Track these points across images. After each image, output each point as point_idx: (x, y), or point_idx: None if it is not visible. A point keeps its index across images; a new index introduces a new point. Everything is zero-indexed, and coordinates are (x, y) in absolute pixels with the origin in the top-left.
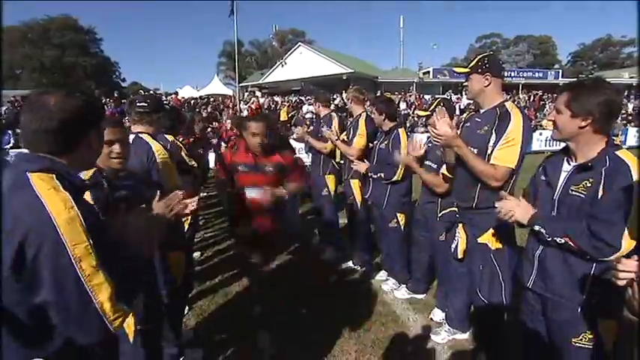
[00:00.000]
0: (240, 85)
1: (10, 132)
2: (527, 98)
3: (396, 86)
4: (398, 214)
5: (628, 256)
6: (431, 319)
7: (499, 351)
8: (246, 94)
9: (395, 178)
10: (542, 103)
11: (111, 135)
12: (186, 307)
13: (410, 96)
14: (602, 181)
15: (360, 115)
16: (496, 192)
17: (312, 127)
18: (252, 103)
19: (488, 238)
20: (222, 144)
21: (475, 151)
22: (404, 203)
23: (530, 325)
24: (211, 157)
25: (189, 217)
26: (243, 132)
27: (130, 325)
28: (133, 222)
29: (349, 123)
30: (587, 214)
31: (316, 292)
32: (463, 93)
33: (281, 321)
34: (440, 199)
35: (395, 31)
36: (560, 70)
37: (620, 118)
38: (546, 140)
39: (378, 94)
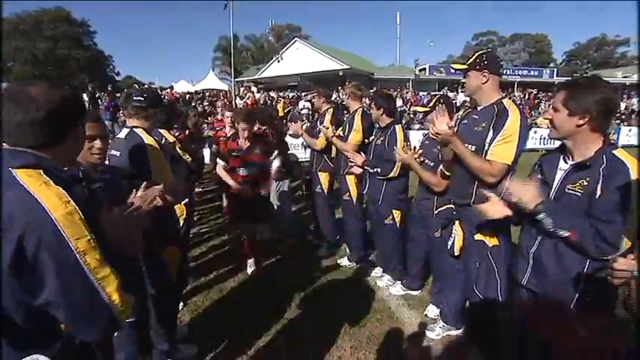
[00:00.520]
0: (236, 80)
1: None
2: (522, 96)
3: (392, 83)
4: (394, 211)
5: (623, 255)
6: (426, 315)
7: (493, 347)
8: (241, 89)
9: (391, 175)
10: (537, 101)
11: (92, 130)
12: (181, 303)
13: (407, 93)
14: (601, 181)
15: (357, 110)
16: (493, 189)
17: (307, 123)
18: (248, 98)
19: (484, 235)
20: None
21: (473, 148)
22: (400, 200)
23: (524, 321)
24: (206, 152)
25: (185, 213)
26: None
27: None
28: (111, 221)
29: (345, 118)
30: (587, 214)
31: (311, 288)
32: (459, 90)
33: (275, 317)
34: (436, 196)
35: (391, 27)
36: (555, 69)
37: (614, 117)
38: (541, 138)
39: (374, 90)
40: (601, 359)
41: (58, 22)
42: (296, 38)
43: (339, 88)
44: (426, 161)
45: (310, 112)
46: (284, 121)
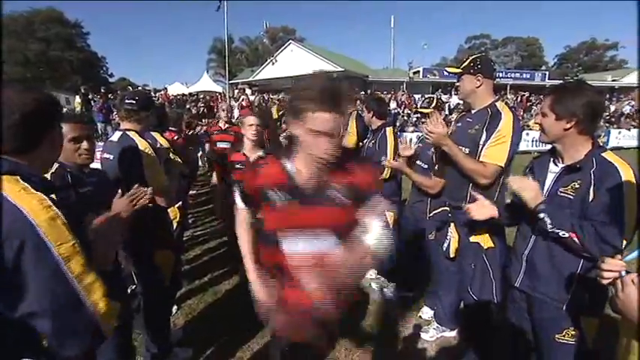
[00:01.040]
0: (230, 82)
1: None
2: (514, 99)
3: (386, 85)
4: (386, 213)
5: (611, 255)
6: (420, 317)
7: (487, 348)
8: (236, 91)
9: (382, 177)
10: (529, 104)
11: (78, 131)
12: (175, 306)
13: (402, 95)
14: (593, 184)
15: (351, 113)
16: (486, 191)
17: None
18: (242, 100)
19: (479, 238)
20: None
21: (466, 150)
22: (392, 202)
23: (517, 322)
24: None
25: (178, 216)
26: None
27: None
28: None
29: None
30: (582, 217)
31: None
32: (452, 93)
33: None
34: (429, 199)
35: (386, 30)
36: (547, 72)
37: (602, 119)
38: (533, 141)
39: (368, 92)
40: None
41: (51, 23)
42: (290, 40)
43: None
44: (420, 164)
45: None
46: (278, 123)
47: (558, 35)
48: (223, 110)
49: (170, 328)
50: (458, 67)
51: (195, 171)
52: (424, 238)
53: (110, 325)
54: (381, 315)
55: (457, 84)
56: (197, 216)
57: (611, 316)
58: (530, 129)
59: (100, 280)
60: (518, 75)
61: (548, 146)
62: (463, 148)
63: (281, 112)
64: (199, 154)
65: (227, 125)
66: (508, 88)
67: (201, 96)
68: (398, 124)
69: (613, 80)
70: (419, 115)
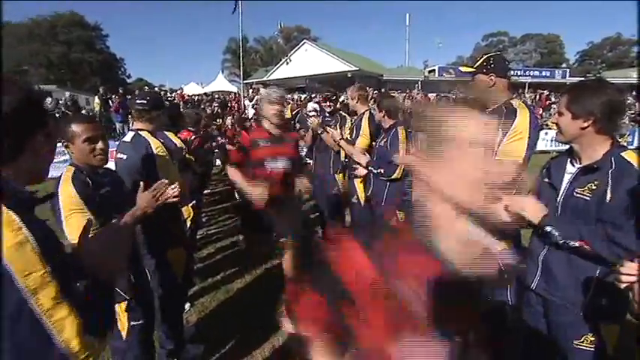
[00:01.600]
0: (245, 81)
1: None
2: (533, 97)
3: (401, 84)
4: (398, 212)
5: (631, 259)
6: None
7: (500, 351)
8: (250, 91)
9: (395, 176)
10: (548, 102)
11: (92, 131)
12: (188, 304)
13: (417, 94)
14: (610, 185)
15: (364, 114)
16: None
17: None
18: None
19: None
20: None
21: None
22: (404, 201)
23: (532, 326)
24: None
25: (191, 215)
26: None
27: (123, 322)
28: (100, 239)
29: (353, 121)
30: (596, 218)
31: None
32: None
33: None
34: None
35: (401, 29)
36: (568, 70)
37: (628, 118)
38: (552, 140)
39: (379, 92)
40: None
41: (72, 27)
42: (305, 40)
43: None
44: None
45: (321, 114)
46: (292, 122)
47: (580, 31)
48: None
49: (183, 325)
50: (471, 67)
51: (210, 170)
52: None
53: None
54: None
55: (471, 83)
56: (210, 215)
57: (633, 322)
58: (549, 128)
59: (75, 314)
60: (537, 73)
61: (567, 146)
62: None
63: (295, 112)
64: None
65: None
66: (527, 86)
67: (216, 96)
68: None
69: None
70: None
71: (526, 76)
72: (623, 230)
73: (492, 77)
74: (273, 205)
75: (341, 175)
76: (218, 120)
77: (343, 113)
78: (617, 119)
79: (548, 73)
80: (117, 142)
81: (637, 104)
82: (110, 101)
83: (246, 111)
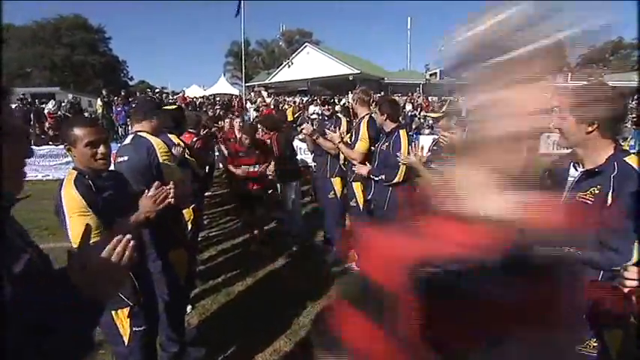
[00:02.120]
0: (247, 84)
1: None
2: None
3: (402, 88)
4: None
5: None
6: None
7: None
8: (252, 93)
9: (395, 180)
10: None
11: (94, 135)
12: (190, 306)
13: (418, 97)
14: (612, 189)
15: (363, 117)
16: None
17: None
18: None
19: None
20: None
21: None
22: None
23: None
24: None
25: (193, 217)
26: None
27: (125, 328)
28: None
29: (354, 124)
30: (595, 222)
31: (319, 293)
32: None
33: (282, 321)
34: None
35: (402, 32)
36: (569, 73)
37: (630, 121)
38: (554, 143)
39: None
40: None
41: (76, 30)
42: (306, 43)
43: (349, 92)
44: (435, 167)
45: (320, 118)
46: (294, 125)
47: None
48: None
49: (184, 327)
50: None
51: (212, 172)
52: None
53: None
54: None
55: None
56: (212, 217)
57: (636, 327)
58: (551, 131)
59: None
60: None
61: (569, 149)
62: None
63: (296, 115)
64: (216, 156)
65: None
66: None
67: (217, 99)
68: (414, 126)
69: None
70: (433, 118)
71: None
72: (620, 235)
73: None
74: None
75: (338, 179)
76: (220, 122)
77: (340, 115)
78: (621, 123)
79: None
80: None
81: (639, 108)
82: (112, 103)
83: (248, 113)
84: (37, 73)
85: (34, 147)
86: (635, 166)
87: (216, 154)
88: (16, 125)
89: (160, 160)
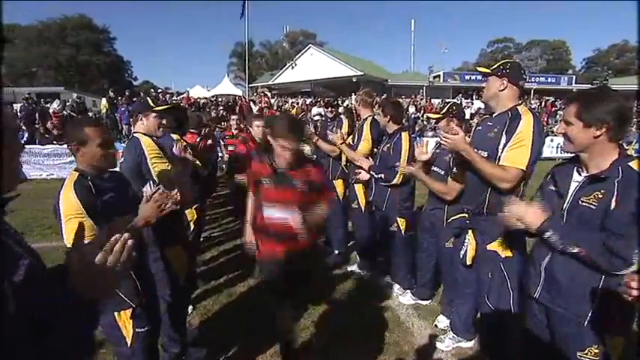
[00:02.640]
0: (250, 85)
1: (24, 128)
2: (538, 104)
3: (405, 90)
4: (398, 219)
5: None
6: (435, 325)
7: None
8: (255, 94)
9: (394, 182)
10: (554, 109)
11: (105, 135)
12: (191, 307)
13: (421, 99)
14: (616, 194)
15: (366, 119)
16: (506, 197)
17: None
18: (261, 102)
19: (497, 246)
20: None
21: (485, 154)
22: (405, 208)
23: (535, 336)
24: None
25: (195, 217)
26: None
27: (127, 329)
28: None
29: (357, 126)
30: (600, 227)
31: (320, 296)
32: (474, 97)
33: None
34: (446, 206)
35: (406, 34)
36: (574, 76)
37: (635, 125)
38: (557, 147)
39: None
40: None
41: (81, 30)
42: (310, 44)
43: (353, 94)
44: (437, 170)
45: (324, 119)
46: None
47: (587, 38)
48: (233, 120)
49: (186, 327)
50: (487, 68)
51: (215, 172)
52: (441, 246)
53: None
54: (395, 322)
55: (482, 85)
56: (214, 217)
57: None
58: (555, 135)
59: None
60: (542, 79)
61: (572, 154)
62: (481, 152)
63: (299, 116)
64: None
65: (237, 131)
66: (532, 92)
67: (220, 99)
68: (417, 128)
69: None
70: (433, 119)
71: (531, 82)
72: (623, 239)
73: (504, 81)
74: None
75: (340, 181)
76: (223, 123)
77: (342, 116)
78: (627, 126)
79: (553, 80)
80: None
81: None
82: (117, 103)
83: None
84: (42, 73)
85: (38, 146)
86: (639, 170)
87: (220, 155)
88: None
89: (148, 159)
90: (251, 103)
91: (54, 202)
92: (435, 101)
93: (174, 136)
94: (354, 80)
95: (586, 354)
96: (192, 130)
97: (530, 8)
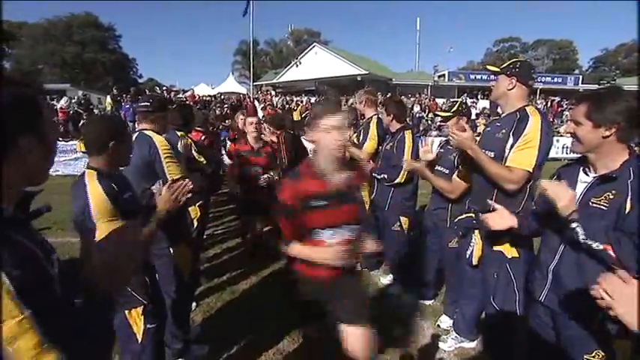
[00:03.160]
0: (255, 83)
1: None
2: (545, 104)
3: (410, 89)
4: (401, 218)
5: None
6: (438, 325)
7: None
8: (259, 93)
9: (398, 180)
10: (560, 109)
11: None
12: (194, 304)
13: (426, 99)
14: (630, 195)
15: (372, 117)
16: (513, 197)
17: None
18: (267, 102)
19: (503, 246)
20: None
21: (492, 154)
22: (408, 207)
23: (540, 338)
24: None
25: (198, 214)
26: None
27: (138, 325)
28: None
29: (361, 124)
30: (613, 229)
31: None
32: (479, 97)
33: (286, 320)
34: (450, 205)
35: (411, 33)
36: (581, 76)
37: None
38: (564, 147)
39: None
40: None
41: (87, 27)
42: (315, 43)
43: (354, 93)
44: (441, 169)
45: None
46: (301, 125)
47: (596, 38)
48: (241, 120)
49: (189, 324)
50: (497, 67)
51: (219, 170)
52: (444, 246)
53: None
54: (398, 322)
55: (492, 84)
56: (217, 215)
57: None
58: (561, 135)
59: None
60: (549, 79)
61: (579, 154)
62: (488, 152)
63: (303, 115)
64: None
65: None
66: (538, 92)
67: (223, 97)
68: (422, 128)
69: None
70: (440, 118)
71: (537, 82)
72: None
73: (513, 80)
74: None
75: None
76: (227, 121)
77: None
78: (638, 127)
79: (559, 80)
80: None
81: None
82: (121, 101)
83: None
84: (48, 70)
85: None
86: None
87: (223, 153)
88: None
89: (162, 158)
90: (255, 102)
91: (79, 202)
92: (440, 101)
93: (179, 133)
94: (358, 79)
95: (593, 357)
96: (197, 128)
97: (536, 8)
